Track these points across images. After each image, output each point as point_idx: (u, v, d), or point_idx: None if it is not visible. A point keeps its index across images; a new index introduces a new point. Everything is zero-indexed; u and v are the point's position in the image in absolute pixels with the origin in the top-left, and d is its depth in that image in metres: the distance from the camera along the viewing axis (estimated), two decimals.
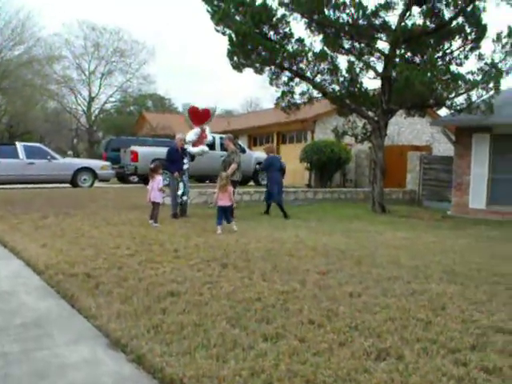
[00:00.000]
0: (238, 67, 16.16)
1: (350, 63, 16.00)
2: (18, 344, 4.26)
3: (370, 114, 16.57)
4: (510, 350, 4.22)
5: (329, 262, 7.51)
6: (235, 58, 15.88)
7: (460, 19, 15.70)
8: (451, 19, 15.62)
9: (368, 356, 3.96)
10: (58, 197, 16.44)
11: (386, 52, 15.90)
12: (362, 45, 16.10)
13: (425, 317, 4.99)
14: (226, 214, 10.54)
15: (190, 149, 13.10)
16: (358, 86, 16.22)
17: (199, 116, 13.56)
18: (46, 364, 3.89)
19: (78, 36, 53.49)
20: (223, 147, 21.30)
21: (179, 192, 12.32)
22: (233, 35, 15.33)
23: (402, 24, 15.50)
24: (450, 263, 7.88)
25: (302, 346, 4.10)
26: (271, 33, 15.81)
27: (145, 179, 20.82)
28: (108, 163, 21.92)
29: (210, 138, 14.10)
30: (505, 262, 8.33)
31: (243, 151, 22.49)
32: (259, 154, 23.89)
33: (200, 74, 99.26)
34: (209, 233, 10.06)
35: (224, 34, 15.65)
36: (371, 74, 16.34)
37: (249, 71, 16.41)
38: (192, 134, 13.31)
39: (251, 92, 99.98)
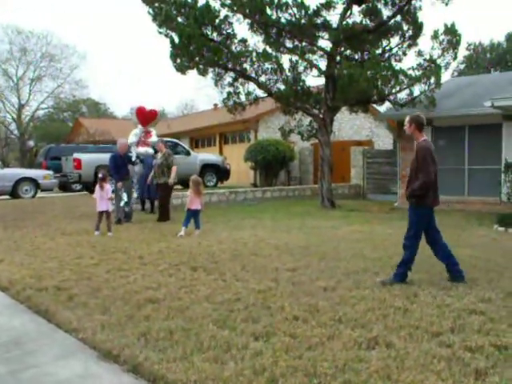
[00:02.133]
0: (181, 69, 16.11)
1: (294, 62, 16.25)
2: (2, 365, 4.12)
3: (315, 111, 16.88)
4: (487, 329, 4.49)
5: (295, 259, 7.66)
6: (178, 60, 15.83)
7: (398, 17, 16.26)
8: (389, 18, 16.17)
9: (359, 346, 4.11)
10: (1, 209, 15.88)
11: (329, 50, 16.24)
12: (305, 44, 16.37)
13: (401, 305, 5.20)
14: (196, 217, 10.53)
15: (136, 149, 12.99)
16: (302, 84, 16.49)
17: (146, 116, 13.46)
18: (38, 383, 3.81)
19: (3, 40, 51.73)
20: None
21: (121, 203, 12.25)
22: (175, 37, 15.28)
23: (343, 23, 15.88)
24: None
25: (294, 342, 4.20)
26: (214, 34, 15.87)
27: (88, 187, 20.42)
28: (51, 172, 21.34)
29: (154, 138, 14.00)
30: (459, 248, 8.60)
31: (188, 153, 22.40)
32: (204, 155, 23.88)
33: (133, 77, 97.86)
34: (168, 237, 10.02)
35: (167, 36, 15.57)
36: (315, 72, 16.66)
37: (192, 73, 16.40)
38: (132, 136, 13.21)
39: (186, 94, 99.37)
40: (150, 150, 12.95)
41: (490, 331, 4.44)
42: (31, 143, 55.23)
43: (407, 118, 6.51)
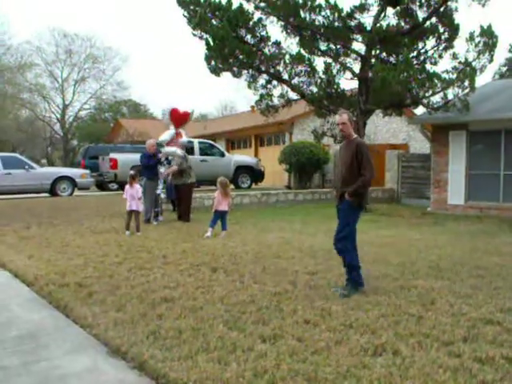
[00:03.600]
0: (215, 71, 16.25)
1: (327, 65, 16.18)
2: (16, 357, 4.27)
3: None
4: (501, 340, 4.38)
5: (317, 263, 7.63)
6: (213, 63, 15.98)
7: (433, 19, 16.01)
8: (425, 19, 15.91)
9: (365, 352, 4.07)
10: (39, 206, 16.30)
11: (362, 53, 16.12)
12: (338, 46, 16.28)
13: (416, 312, 5.13)
14: (223, 219, 10.59)
15: (165, 148, 13.14)
16: (336, 87, 16.40)
17: (179, 117, 13.60)
18: (47, 375, 3.92)
19: (50, 43, 52.95)
20: (202, 151, 21.43)
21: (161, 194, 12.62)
22: (210, 39, 15.42)
23: (377, 25, 15.73)
24: (435, 259, 8.05)
25: (300, 346, 4.19)
26: (248, 36, 15.94)
27: (123, 187, 20.77)
28: (87, 171, 21.79)
29: (184, 139, 14.13)
30: (486, 256, 8.53)
31: (222, 155, 22.55)
32: (238, 157, 23.99)
33: (175, 79, 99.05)
34: (194, 238, 10.10)
35: (201, 38, 15.73)
36: (348, 75, 16.56)
37: (226, 75, 16.52)
38: (166, 135, 13.34)
39: (226, 95, 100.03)
40: (179, 151, 13.06)
41: (503, 342, 4.34)
42: (74, 143, 56.56)
43: (345, 116, 6.07)
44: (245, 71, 16.62)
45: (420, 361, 3.90)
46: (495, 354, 4.04)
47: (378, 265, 7.52)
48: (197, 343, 4.26)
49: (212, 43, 15.32)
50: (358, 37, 16.20)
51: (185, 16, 15.87)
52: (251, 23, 15.73)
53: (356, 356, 4.00)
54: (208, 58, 15.96)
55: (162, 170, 12.82)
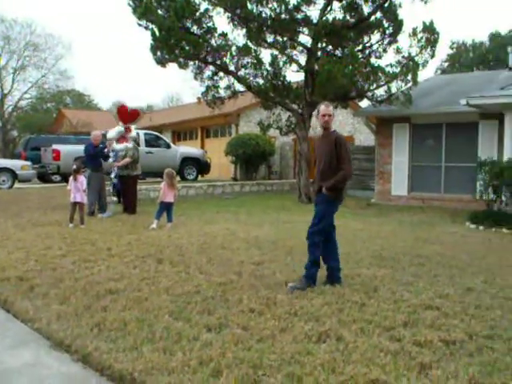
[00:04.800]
0: (161, 62, 16.08)
1: (274, 57, 16.28)
2: None
3: (294, 106, 16.92)
4: (439, 324, 4.56)
5: (262, 253, 7.70)
6: (158, 53, 15.80)
7: (378, 14, 16.32)
8: (370, 14, 16.22)
9: (309, 339, 4.16)
10: None
11: (309, 45, 16.27)
12: (285, 39, 16.39)
13: (359, 299, 5.27)
14: (168, 210, 10.52)
15: (114, 145, 12.92)
16: (282, 79, 16.52)
17: (127, 115, 13.39)
18: None
19: None
20: (148, 143, 21.18)
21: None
22: (155, 30, 15.22)
23: (324, 18, 15.92)
24: (378, 248, 8.26)
25: (245, 334, 4.24)
26: (195, 27, 15.84)
27: (66, 178, 20.30)
28: (29, 163, 21.15)
29: (134, 133, 13.94)
30: (427, 245, 8.83)
31: (168, 146, 22.35)
32: (184, 148, 23.83)
33: (120, 69, 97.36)
34: (140, 230, 10.00)
35: (147, 28, 15.52)
36: (294, 67, 16.71)
37: (172, 66, 16.36)
38: (113, 132, 13.12)
39: (172, 86, 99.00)
40: (130, 145, 12.88)
41: (441, 326, 4.51)
42: (14, 133, 54.78)
43: (331, 108, 5.98)
44: (191, 62, 16.53)
45: (362, 346, 4.01)
46: (433, 337, 4.20)
47: None
48: (142, 334, 4.24)
49: (158, 33, 15.13)
50: (305, 30, 16.36)
51: (130, 5, 15.63)
52: (198, 14, 15.63)
53: (300, 343, 4.07)
54: (154, 49, 15.75)
55: (111, 160, 12.60)
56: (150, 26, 15.46)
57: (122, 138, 13.05)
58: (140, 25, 15.60)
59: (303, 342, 4.10)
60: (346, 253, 7.74)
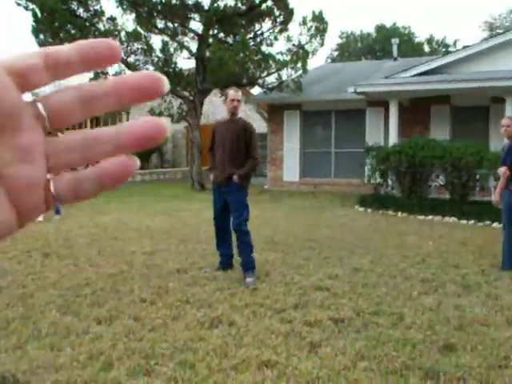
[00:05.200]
0: (45, 45, 15.18)
1: (164, 43, 16.00)
2: None
3: (186, 93, 16.76)
4: (328, 303, 4.71)
5: (154, 243, 7.59)
6: (42, 36, 15.02)
7: (269, 2, 16.45)
8: (261, 2, 16.33)
9: (202, 325, 4.14)
10: None
11: (200, 32, 16.15)
12: (176, 25, 16.16)
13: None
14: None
15: None
16: (173, 66, 16.29)
17: None
18: None
19: None
20: None
21: None
22: (37, 11, 14.43)
23: (215, 5, 15.82)
24: (270, 234, 8.40)
25: (137, 325, 4.15)
26: (81, 10, 15.20)
27: None
28: None
29: None
30: (318, 229, 9.09)
31: None
32: None
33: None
34: None
35: (27, 8, 14.66)
36: (186, 54, 16.53)
37: None
38: None
39: None
40: None
41: (330, 306, 4.66)
42: None
43: (239, 93, 5.83)
44: None
45: (254, 329, 4.06)
46: (323, 316, 4.33)
47: (214, 242, 7.65)
48: (27, 331, 4.03)
49: (40, 15, 14.36)
50: (196, 16, 16.22)
51: None
52: None
53: (193, 330, 4.05)
54: (36, 31, 14.95)
55: None
56: (31, 6, 14.62)
57: None
58: (19, 4, 14.72)
59: (195, 328, 4.08)
60: None
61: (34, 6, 14.47)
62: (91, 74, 16.24)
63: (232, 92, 5.76)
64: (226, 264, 5.94)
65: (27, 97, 0.35)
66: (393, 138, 13.38)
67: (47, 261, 6.47)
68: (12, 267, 6.13)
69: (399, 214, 11.20)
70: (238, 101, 5.72)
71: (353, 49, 49.36)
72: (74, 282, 5.41)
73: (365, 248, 7.39)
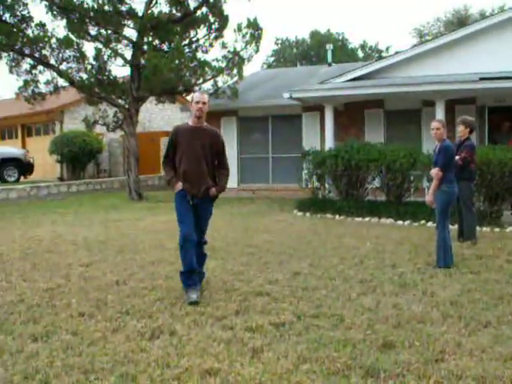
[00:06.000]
0: None
1: (98, 50, 15.68)
2: None
3: (121, 101, 16.50)
4: (269, 308, 4.74)
5: (91, 254, 7.42)
6: None
7: (204, 9, 16.42)
8: (196, 9, 16.27)
9: (142, 336, 4.07)
10: None
11: (134, 39, 15.93)
12: (110, 32, 15.85)
13: None
14: None
15: None
16: (107, 74, 15.99)
17: None
18: None
19: None
20: None
21: None
22: None
23: (149, 11, 15.66)
24: (210, 240, 8.20)
25: (75, 340, 4.03)
26: (7, 15, 14.70)
27: None
28: None
29: None
30: (257, 234, 9.12)
31: None
32: (2, 149, 22.15)
33: None
34: None
35: None
36: (120, 61, 16.26)
37: None
38: None
39: None
40: None
41: (271, 310, 4.68)
42: None
43: (206, 96, 5.45)
44: (5, 54, 15.33)
45: (196, 337, 4.02)
46: (264, 322, 4.34)
47: (155, 250, 7.58)
48: None
49: None
50: (130, 23, 15.99)
51: None
52: (9, 0, 14.50)
53: (133, 341, 3.96)
54: None
55: None
56: None
57: None
58: None
59: (136, 340, 4.00)
60: (175, 247, 7.73)
61: None
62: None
63: (197, 94, 5.45)
64: (200, 280, 5.43)
65: None
66: (329, 142, 13.61)
67: None
68: None
69: (337, 216, 11.39)
70: (204, 103, 5.30)
71: (288, 55, 50.05)
72: (7, 298, 5.20)
73: (304, 251, 7.47)
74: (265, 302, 4.95)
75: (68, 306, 4.90)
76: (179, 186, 5.28)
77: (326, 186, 12.81)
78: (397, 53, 15.85)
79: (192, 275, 5.21)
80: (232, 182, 17.17)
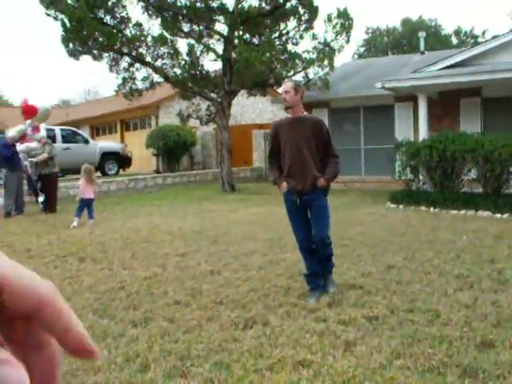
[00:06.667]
0: (74, 54, 15.57)
1: (190, 46, 16.10)
2: None
3: (213, 95, 16.85)
4: (362, 302, 4.68)
5: (186, 244, 7.64)
6: (71, 45, 15.27)
7: (294, 1, 16.43)
8: (285, 1, 16.31)
9: (236, 326, 4.16)
10: None
11: (226, 34, 16.21)
12: (201, 27, 16.26)
13: (284, 284, 5.32)
14: (89, 207, 10.17)
15: (18, 146, 12.44)
16: (200, 68, 16.39)
17: (26, 111, 12.90)
18: None
19: None
20: (65, 139, 20.54)
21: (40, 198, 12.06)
22: (66, 20, 14.68)
23: (239, 6, 15.88)
24: None
25: (171, 327, 4.19)
26: (108, 17, 15.43)
27: None
28: None
29: (42, 133, 13.40)
30: (350, 227, 9.03)
31: (86, 142, 21.73)
32: (104, 143, 23.26)
33: (33, 63, 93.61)
34: (60, 229, 9.69)
35: (56, 18, 14.93)
36: (212, 56, 16.62)
37: (86, 58, 15.89)
38: (13, 131, 12.58)
39: (89, 79, 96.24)
40: (32, 145, 12.38)
41: (364, 304, 4.63)
42: None
43: (290, 84, 5.11)
44: (106, 54, 16.09)
45: (289, 329, 4.06)
46: (357, 315, 4.30)
47: (247, 241, 7.69)
48: None
49: (68, 24, 14.61)
50: (221, 18, 16.28)
51: None
52: (110, 3, 15.22)
53: (227, 331, 4.06)
54: (65, 41, 15.20)
55: (26, 162, 12.08)
56: (60, 16, 14.89)
57: (24, 137, 12.56)
58: (49, 15, 15.00)
59: (230, 329, 4.10)
60: (269, 239, 7.86)
61: (63, 16, 14.71)
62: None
63: (283, 85, 5.24)
64: (318, 285, 5.06)
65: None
66: (423, 133, 13.22)
67: (82, 265, 6.58)
68: (49, 272, 6.25)
69: (431, 209, 11.06)
70: (287, 92, 4.98)
71: (379, 44, 49.00)
72: (109, 285, 5.50)
73: (397, 244, 7.32)
74: (358, 294, 4.90)
75: (165, 294, 5.10)
76: (284, 186, 4.97)
77: (420, 177, 12.47)
78: (494, 37, 15.08)
79: (315, 278, 5.03)
80: None
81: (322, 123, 5.11)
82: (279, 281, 5.46)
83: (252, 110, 27.67)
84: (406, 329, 4.00)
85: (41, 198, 12.23)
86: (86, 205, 10.15)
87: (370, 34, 50.17)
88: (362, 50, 49.81)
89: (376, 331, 3.98)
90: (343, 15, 15.92)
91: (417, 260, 6.32)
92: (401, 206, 11.67)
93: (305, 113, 5.18)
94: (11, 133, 12.43)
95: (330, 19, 15.90)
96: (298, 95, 5.01)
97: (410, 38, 43.77)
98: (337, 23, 15.92)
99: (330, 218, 5.25)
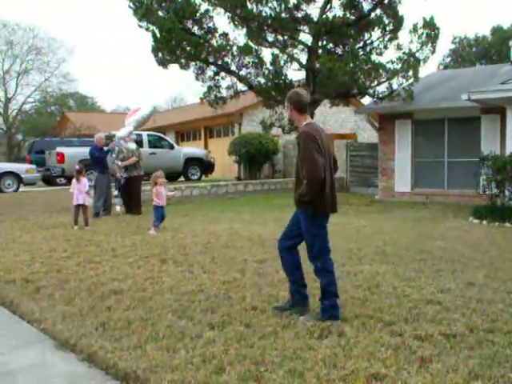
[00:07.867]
0: (163, 63, 16.17)
1: (275, 56, 16.32)
2: None
3: None
4: (440, 318, 4.59)
5: (265, 252, 7.73)
6: (160, 54, 15.90)
7: (378, 11, 16.34)
8: (370, 11, 16.26)
9: (311, 335, 4.20)
10: None
11: (309, 44, 16.32)
12: (286, 37, 16.46)
13: (361, 295, 5.30)
14: (157, 212, 10.29)
15: (127, 145, 12.95)
16: (283, 78, 16.56)
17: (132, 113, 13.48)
18: None
19: None
20: (151, 144, 21.28)
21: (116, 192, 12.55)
22: (156, 31, 15.30)
23: (324, 16, 15.97)
24: (381, 244, 8.29)
25: (248, 332, 4.28)
26: (195, 28, 15.96)
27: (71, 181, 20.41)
28: (33, 166, 21.30)
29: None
30: (430, 240, 8.84)
31: (171, 147, 22.43)
32: (188, 149, 23.91)
33: (123, 71, 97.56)
34: (144, 230, 10.05)
35: (148, 30, 15.60)
36: (295, 65, 16.76)
37: (174, 67, 16.46)
38: (124, 131, 13.15)
39: (175, 87, 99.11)
40: (132, 146, 12.92)
41: (442, 320, 4.54)
42: (19, 137, 54.85)
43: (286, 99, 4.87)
44: (192, 63, 16.61)
45: (364, 341, 4.05)
46: (434, 331, 4.23)
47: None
48: (146, 333, 4.29)
49: (159, 35, 15.22)
50: (305, 28, 16.42)
51: (130, 7, 15.70)
52: (198, 15, 15.73)
53: (302, 339, 4.11)
54: (155, 50, 15.85)
55: (118, 162, 12.59)
56: (151, 27, 15.54)
57: (128, 138, 13.12)
58: (141, 26, 15.70)
59: (305, 338, 4.14)
60: (348, 249, 7.81)
61: (154, 27, 15.33)
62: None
63: None
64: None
65: None
66: (510, 147, 12.69)
67: (164, 266, 6.82)
68: (133, 271, 6.53)
69: None
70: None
71: (466, 54, 47.43)
72: (188, 287, 5.68)
73: (479, 261, 7.09)
74: (436, 310, 4.81)
75: (243, 299, 5.21)
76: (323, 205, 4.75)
77: (506, 192, 11.99)
78: None
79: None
80: (405, 186, 16.83)
81: (300, 135, 4.64)
82: (356, 292, 5.44)
83: (334, 119, 27.57)
84: (485, 349, 3.89)
85: (117, 200, 12.80)
86: (161, 210, 10.23)
87: (456, 44, 48.69)
88: (447, 60, 48.40)
89: (453, 349, 3.90)
90: (429, 25, 15.63)
91: (499, 279, 6.10)
92: (484, 222, 11.28)
93: (304, 123, 4.73)
94: (122, 133, 12.97)
95: (415, 29, 15.66)
96: (289, 109, 4.80)
97: (501, 47, 42.05)
98: (422, 33, 15.65)
99: (319, 241, 4.81)
